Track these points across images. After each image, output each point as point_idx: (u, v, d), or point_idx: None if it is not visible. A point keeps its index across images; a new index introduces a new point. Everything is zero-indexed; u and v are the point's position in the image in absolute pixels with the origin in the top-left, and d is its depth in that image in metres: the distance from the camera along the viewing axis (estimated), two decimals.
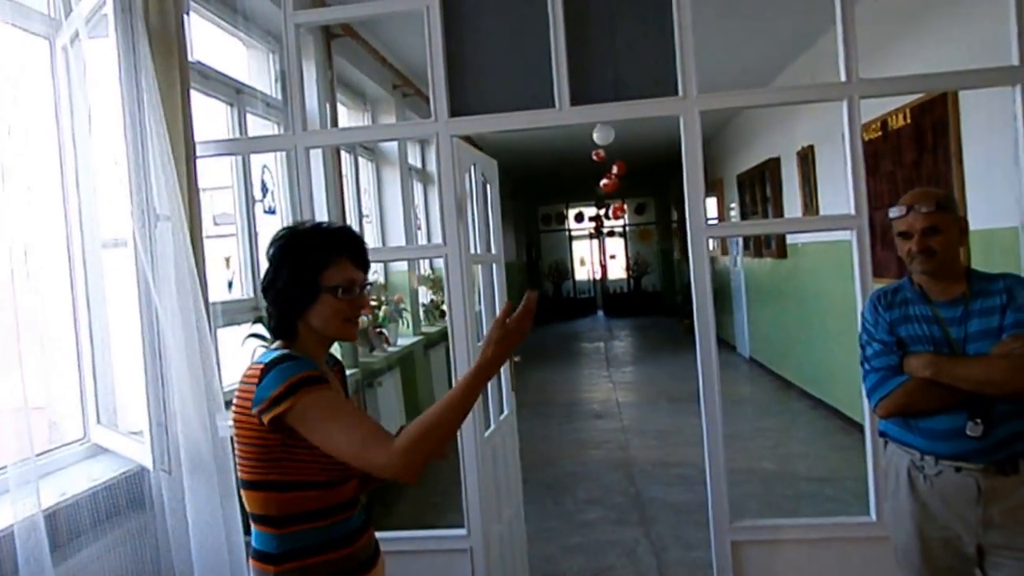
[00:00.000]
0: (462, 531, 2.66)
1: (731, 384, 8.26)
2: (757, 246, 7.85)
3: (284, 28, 2.62)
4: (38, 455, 1.99)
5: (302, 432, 1.42)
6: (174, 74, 2.34)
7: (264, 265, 1.61)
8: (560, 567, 3.70)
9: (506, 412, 3.19)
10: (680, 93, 2.53)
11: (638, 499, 4.63)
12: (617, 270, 17.53)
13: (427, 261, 6.82)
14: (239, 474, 1.53)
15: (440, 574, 2.62)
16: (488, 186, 3.18)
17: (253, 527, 1.54)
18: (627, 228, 17.24)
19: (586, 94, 2.57)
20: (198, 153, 2.49)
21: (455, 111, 2.60)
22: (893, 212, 2.10)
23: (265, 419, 1.43)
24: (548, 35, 2.55)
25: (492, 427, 2.89)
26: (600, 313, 16.93)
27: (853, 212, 2.52)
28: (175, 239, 2.15)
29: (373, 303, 4.76)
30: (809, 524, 2.66)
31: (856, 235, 2.51)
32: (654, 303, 16.29)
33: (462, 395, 1.42)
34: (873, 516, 2.54)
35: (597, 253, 17.57)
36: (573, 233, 17.32)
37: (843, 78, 2.51)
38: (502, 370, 3.20)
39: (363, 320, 1.53)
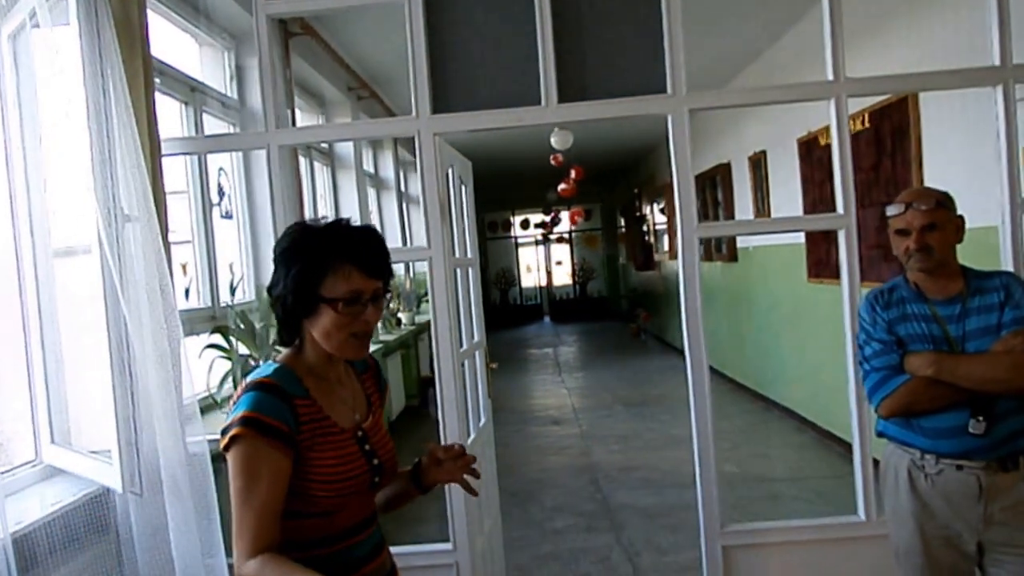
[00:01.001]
0: (447, 545, 2.54)
1: (681, 387, 8.23)
2: (707, 250, 7.95)
3: (255, 19, 2.45)
4: None
5: None
6: (137, 64, 2.14)
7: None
8: None
9: (483, 420, 3.08)
10: (669, 91, 2.48)
11: (606, 505, 4.57)
12: (563, 276, 17.58)
13: None
14: None
15: None
16: (463, 188, 3.07)
17: None
18: (573, 234, 17.33)
19: (573, 91, 2.49)
20: (163, 151, 2.31)
21: (437, 108, 2.49)
22: (891, 210, 2.08)
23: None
24: (535, 30, 2.47)
25: (472, 435, 2.78)
26: (547, 319, 16.94)
27: (841, 211, 2.51)
28: (144, 241, 1.97)
29: None
30: (798, 526, 2.63)
31: (844, 234, 2.51)
32: (600, 308, 16.40)
33: None
34: (862, 515, 2.54)
35: (543, 260, 17.59)
36: (519, 240, 17.30)
37: (830, 77, 2.50)
38: (478, 377, 3.09)
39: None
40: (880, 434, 2.18)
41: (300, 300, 1.36)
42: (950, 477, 1.98)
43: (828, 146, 5.15)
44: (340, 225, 1.40)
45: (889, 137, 4.39)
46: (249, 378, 1.37)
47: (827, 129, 5.11)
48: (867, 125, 4.59)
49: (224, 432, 1.31)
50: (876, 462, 2.34)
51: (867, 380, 2.11)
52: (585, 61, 2.51)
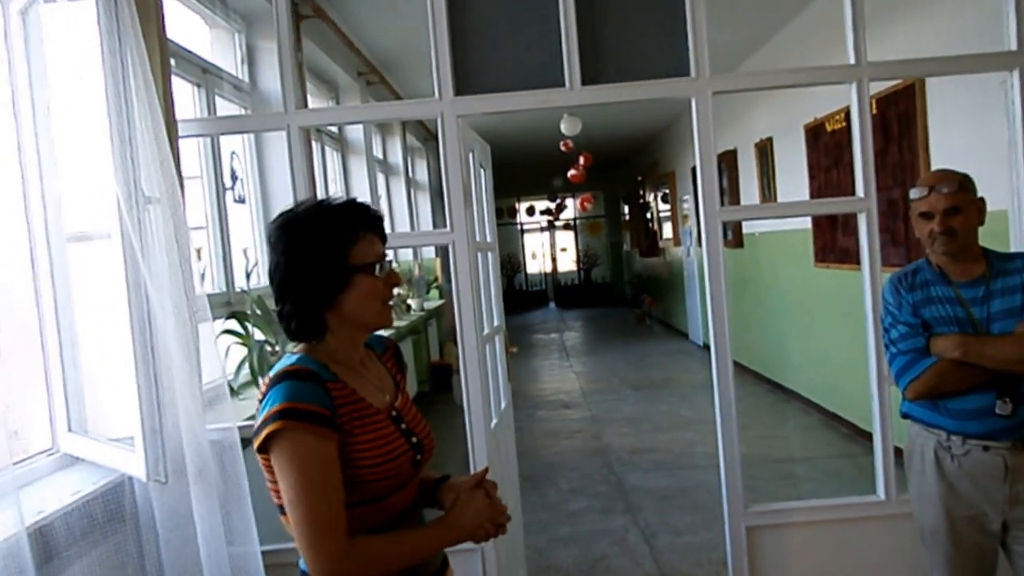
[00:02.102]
0: None
1: (687, 371, 8.29)
2: None
3: None
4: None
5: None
6: (153, 44, 2.06)
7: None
8: (554, 559, 3.56)
9: (504, 404, 3.02)
10: (692, 73, 2.40)
11: (620, 487, 4.53)
12: (568, 263, 17.52)
13: (392, 253, 6.58)
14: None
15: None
16: (483, 172, 2.99)
17: None
18: (577, 221, 17.24)
19: (597, 73, 2.40)
20: (180, 133, 2.23)
21: (460, 90, 2.40)
22: (914, 193, 2.06)
23: (255, 444, 1.23)
24: (557, 11, 2.38)
25: (495, 419, 2.72)
26: (552, 305, 16.91)
27: (862, 195, 2.44)
28: (166, 223, 1.89)
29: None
30: (820, 506, 2.59)
31: (865, 217, 2.43)
32: (604, 294, 16.37)
33: (428, 548, 1.32)
34: (882, 495, 2.49)
35: (548, 246, 17.53)
36: (525, 227, 17.22)
37: (851, 60, 2.42)
38: (498, 360, 3.02)
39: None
40: (905, 416, 2.16)
41: (332, 275, 1.28)
42: (976, 458, 1.98)
43: (835, 132, 5.16)
44: (328, 201, 1.35)
45: (896, 123, 4.31)
46: (273, 371, 1.28)
47: (834, 116, 5.10)
48: (874, 111, 4.50)
49: (259, 430, 1.22)
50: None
51: (893, 363, 2.10)
52: (607, 43, 2.42)
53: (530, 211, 16.96)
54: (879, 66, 2.44)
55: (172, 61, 3.03)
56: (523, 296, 16.69)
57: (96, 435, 2.16)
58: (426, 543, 1.31)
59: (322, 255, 1.28)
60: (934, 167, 3.95)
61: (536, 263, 17.60)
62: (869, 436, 4.56)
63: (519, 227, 17.10)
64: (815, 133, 5.46)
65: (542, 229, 17.35)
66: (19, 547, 1.50)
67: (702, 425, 5.70)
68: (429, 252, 8.06)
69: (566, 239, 17.55)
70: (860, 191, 2.46)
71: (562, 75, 2.39)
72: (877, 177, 2.43)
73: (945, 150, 3.87)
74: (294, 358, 1.31)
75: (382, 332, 1.51)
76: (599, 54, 2.42)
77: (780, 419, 5.93)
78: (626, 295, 15.02)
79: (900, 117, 4.27)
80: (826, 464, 4.75)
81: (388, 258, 1.38)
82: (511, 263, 16.72)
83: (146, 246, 1.85)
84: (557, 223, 17.11)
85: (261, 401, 1.25)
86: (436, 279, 8.10)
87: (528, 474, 4.80)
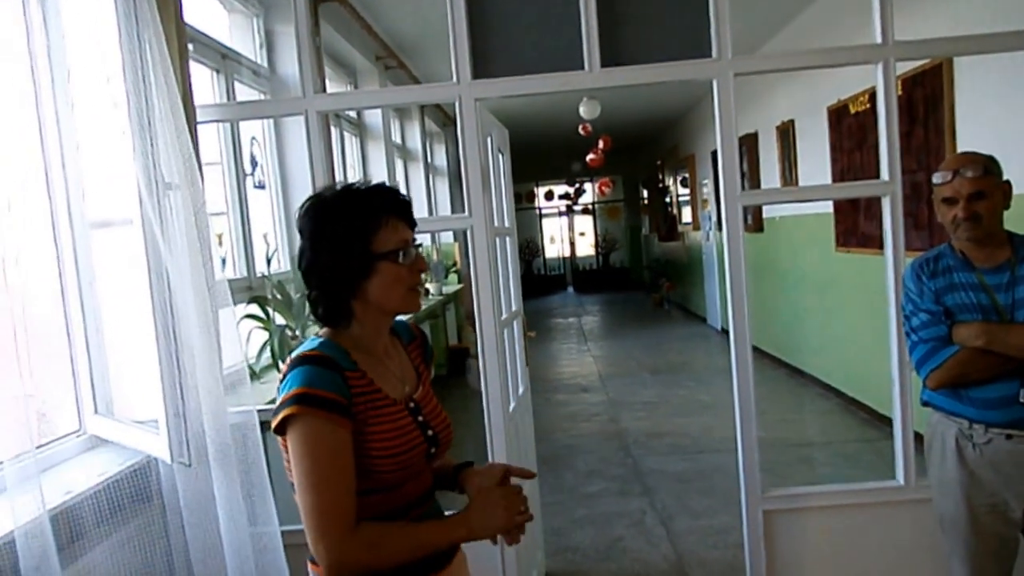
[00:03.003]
0: None
1: (705, 355, 8.23)
2: None
3: None
4: (37, 448, 1.72)
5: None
6: (171, 28, 2.05)
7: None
8: (571, 540, 3.57)
9: (522, 388, 3.01)
10: (714, 54, 2.34)
11: (637, 470, 4.51)
12: (586, 247, 17.44)
13: None
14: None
15: (470, 557, 2.43)
16: (501, 156, 2.96)
17: None
18: (595, 205, 17.13)
19: (616, 55, 2.36)
20: (199, 118, 2.22)
21: (478, 73, 2.37)
22: (937, 177, 1.99)
23: (272, 425, 1.23)
24: None
25: (513, 404, 2.71)
26: (570, 289, 16.86)
27: (887, 178, 2.38)
28: (186, 209, 1.89)
29: None
30: (838, 490, 2.56)
31: (889, 201, 2.37)
32: (622, 279, 16.28)
33: (436, 542, 1.29)
34: (901, 480, 2.46)
35: (567, 230, 17.45)
36: (543, 211, 17.15)
37: (878, 40, 2.34)
38: (517, 346, 3.01)
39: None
40: (926, 403, 2.11)
41: (355, 262, 1.27)
42: (999, 447, 1.93)
43: (859, 114, 5.04)
44: (357, 186, 1.33)
45: (921, 104, 4.21)
46: (295, 353, 1.29)
47: (858, 97, 4.98)
48: (899, 92, 4.39)
49: (276, 412, 1.22)
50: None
51: (914, 351, 2.04)
52: (627, 24, 2.37)
53: (548, 196, 16.88)
54: (907, 45, 2.36)
55: (190, 46, 3.03)
56: (541, 280, 16.64)
57: (121, 417, 2.19)
58: (435, 537, 1.29)
59: (345, 242, 1.27)
60: (960, 149, 3.86)
61: (555, 248, 17.54)
62: (888, 421, 4.49)
63: (538, 212, 17.03)
64: (838, 115, 5.35)
65: (560, 214, 17.27)
66: (41, 530, 1.52)
67: (720, 409, 5.66)
68: (448, 237, 8.05)
69: (584, 223, 17.46)
70: (885, 174, 2.39)
71: (581, 57, 2.35)
72: (901, 160, 2.36)
73: (971, 131, 3.77)
74: (316, 342, 1.30)
75: (405, 318, 1.50)
76: (619, 35, 2.37)
77: (798, 403, 5.88)
78: (644, 280, 14.93)
79: (926, 98, 4.17)
80: (844, 448, 4.70)
81: (417, 243, 1.36)
82: (530, 248, 16.69)
83: (167, 232, 1.85)
84: (576, 208, 17.01)
85: (281, 382, 1.26)
86: (455, 263, 8.09)
87: (546, 456, 4.80)
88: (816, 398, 5.92)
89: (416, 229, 1.36)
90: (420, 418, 1.36)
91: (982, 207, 1.91)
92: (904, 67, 4.19)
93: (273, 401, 1.29)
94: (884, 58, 2.35)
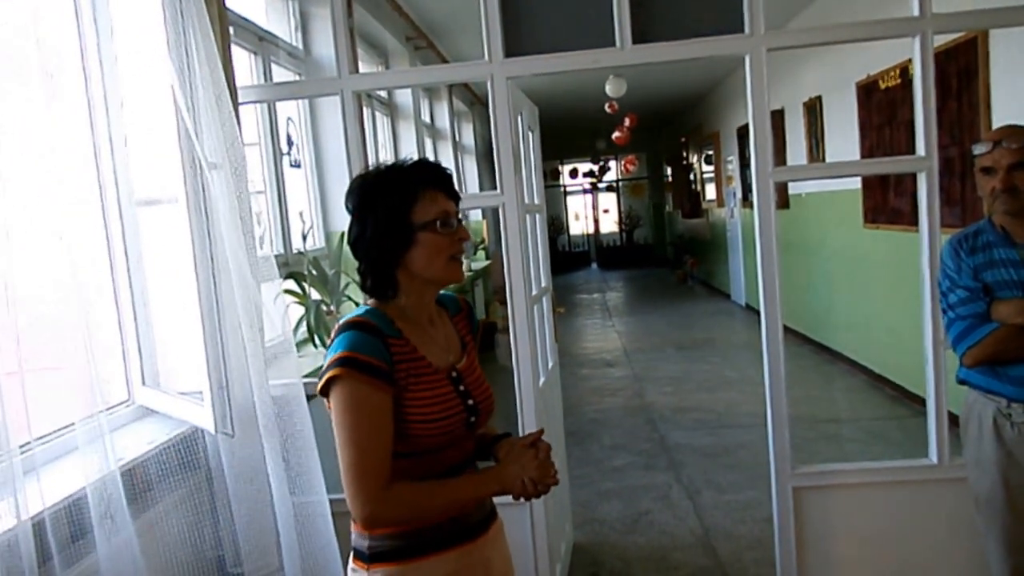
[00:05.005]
0: None
1: (730, 331, 8.15)
2: None
3: None
4: (89, 417, 1.78)
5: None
6: (214, 11, 2.05)
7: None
8: (598, 512, 3.58)
9: (551, 363, 3.01)
10: (747, 30, 2.28)
11: (663, 444, 4.51)
12: (610, 224, 17.32)
13: None
14: None
15: None
16: (531, 134, 2.93)
17: None
18: (619, 183, 16.97)
19: (648, 32, 2.31)
20: (240, 99, 2.23)
21: (509, 51, 2.33)
22: (977, 148, 1.93)
23: (318, 387, 1.28)
24: None
25: (544, 378, 2.71)
26: (594, 266, 16.79)
27: (923, 153, 2.31)
28: (228, 188, 1.90)
29: None
30: (869, 468, 2.52)
31: (926, 176, 2.30)
32: (646, 255, 16.17)
33: (468, 494, 1.33)
34: (934, 458, 2.40)
35: (591, 208, 17.33)
36: (568, 189, 17.03)
37: (915, 12, 2.26)
38: (546, 322, 3.00)
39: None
40: (962, 382, 2.05)
41: (396, 234, 1.30)
42: None
43: (888, 90, 4.90)
44: (400, 162, 1.37)
45: (955, 79, 4.07)
46: (342, 319, 1.33)
47: (888, 72, 4.83)
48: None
49: (322, 375, 1.27)
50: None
51: (951, 328, 1.99)
52: (658, 0, 2.32)
53: (573, 174, 16.75)
54: (946, 18, 2.28)
55: (231, 29, 3.04)
56: (566, 257, 16.59)
57: (168, 389, 2.23)
58: (465, 490, 1.32)
59: (386, 214, 1.31)
60: (995, 125, 3.73)
61: (579, 225, 17.45)
62: (915, 398, 4.41)
63: (562, 189, 16.93)
64: (867, 91, 5.20)
65: (585, 191, 17.15)
66: (114, 483, 1.58)
67: (745, 385, 5.62)
68: (476, 214, 8.03)
69: (609, 201, 17.32)
70: (921, 149, 2.32)
71: (613, 34, 2.30)
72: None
73: (1009, 107, 3.64)
74: (363, 310, 1.35)
75: (451, 291, 1.51)
76: (650, 12, 2.32)
77: (826, 380, 5.81)
78: (668, 256, 14.81)
79: (960, 72, 4.03)
80: (871, 426, 4.65)
81: (459, 215, 1.39)
82: (555, 225, 16.62)
83: (211, 210, 1.86)
84: (600, 185, 16.87)
85: (328, 347, 1.30)
86: (483, 240, 8.09)
87: (572, 430, 4.81)
88: (842, 375, 5.85)
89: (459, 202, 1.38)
90: (462, 387, 1.38)
91: (1021, 179, 1.85)
92: (937, 41, 4.05)
93: (311, 374, 1.32)
94: (922, 30, 2.27)
